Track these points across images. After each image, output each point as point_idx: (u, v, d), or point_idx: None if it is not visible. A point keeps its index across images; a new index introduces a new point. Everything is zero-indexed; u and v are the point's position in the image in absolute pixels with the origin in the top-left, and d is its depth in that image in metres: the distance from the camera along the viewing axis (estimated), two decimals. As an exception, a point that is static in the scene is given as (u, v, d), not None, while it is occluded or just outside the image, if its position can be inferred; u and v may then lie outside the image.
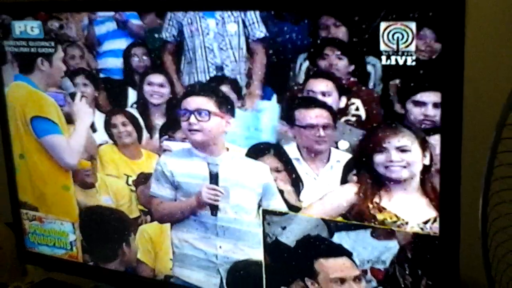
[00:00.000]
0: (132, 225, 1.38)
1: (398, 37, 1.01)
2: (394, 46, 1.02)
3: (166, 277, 1.37)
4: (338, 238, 1.16)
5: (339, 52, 1.07)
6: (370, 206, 1.10)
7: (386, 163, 1.08)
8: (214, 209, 1.25)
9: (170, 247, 1.33)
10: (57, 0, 1.38)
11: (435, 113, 1.01)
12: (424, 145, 1.04)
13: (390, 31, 1.02)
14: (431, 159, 1.04)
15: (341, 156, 1.12)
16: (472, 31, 1.00)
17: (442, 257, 1.07)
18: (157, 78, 1.25)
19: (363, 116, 1.09)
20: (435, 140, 1.02)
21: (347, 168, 1.12)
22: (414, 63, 1.01)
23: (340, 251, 1.16)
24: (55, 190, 1.47)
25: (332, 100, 1.10)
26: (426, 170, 1.05)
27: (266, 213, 1.22)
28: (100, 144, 1.37)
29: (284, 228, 1.20)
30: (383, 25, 1.02)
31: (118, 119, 1.33)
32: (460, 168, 1.02)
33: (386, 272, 1.13)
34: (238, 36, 1.15)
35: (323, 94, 1.10)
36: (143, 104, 1.29)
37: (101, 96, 1.34)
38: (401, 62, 1.02)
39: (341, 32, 1.06)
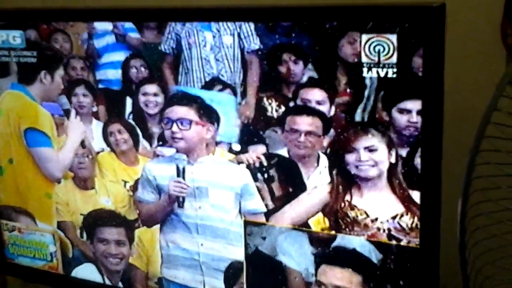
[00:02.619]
0: (130, 227, 1.39)
1: (379, 50, 1.02)
2: (376, 58, 1.03)
3: (159, 280, 1.37)
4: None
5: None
6: (342, 205, 1.13)
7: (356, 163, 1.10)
8: (181, 202, 1.29)
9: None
10: (52, 10, 1.38)
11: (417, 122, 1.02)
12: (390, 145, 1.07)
13: (371, 43, 1.02)
14: (396, 158, 1.07)
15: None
16: (452, 42, 1.01)
17: (422, 269, 1.08)
18: (152, 88, 1.28)
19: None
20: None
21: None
22: (395, 75, 1.02)
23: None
24: (37, 196, 1.47)
25: (324, 108, 1.11)
26: (392, 168, 1.08)
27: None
28: (98, 152, 1.38)
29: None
30: (364, 37, 1.02)
31: (115, 127, 1.35)
32: (441, 180, 1.03)
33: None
34: (234, 48, 1.16)
35: (318, 102, 1.12)
36: (139, 114, 1.31)
37: (99, 105, 1.35)
38: (382, 74, 1.03)
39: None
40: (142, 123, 1.31)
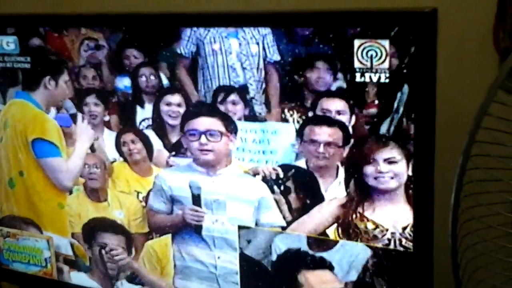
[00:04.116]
0: (140, 240, 1.38)
1: (371, 55, 1.02)
2: (368, 64, 1.03)
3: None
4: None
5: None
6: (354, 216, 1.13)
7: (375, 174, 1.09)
8: (198, 228, 1.27)
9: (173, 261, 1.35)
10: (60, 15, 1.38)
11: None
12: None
13: (364, 48, 1.03)
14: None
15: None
16: (445, 46, 1.02)
17: (416, 273, 1.08)
18: (175, 99, 1.25)
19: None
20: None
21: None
22: (387, 80, 1.02)
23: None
24: (50, 207, 1.46)
25: (344, 118, 1.10)
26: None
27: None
28: (111, 162, 1.37)
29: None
30: (357, 42, 1.03)
31: (128, 137, 1.34)
32: (433, 185, 1.03)
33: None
34: (258, 57, 1.15)
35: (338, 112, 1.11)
36: (159, 123, 1.29)
37: (112, 115, 1.34)
38: (374, 79, 1.03)
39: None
40: (162, 133, 1.29)
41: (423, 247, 1.06)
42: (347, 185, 1.12)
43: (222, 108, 1.19)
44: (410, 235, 1.08)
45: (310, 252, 1.18)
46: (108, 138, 1.35)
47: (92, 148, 1.37)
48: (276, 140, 1.17)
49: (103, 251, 1.41)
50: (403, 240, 1.09)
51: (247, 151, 1.20)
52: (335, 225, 1.15)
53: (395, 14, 1.00)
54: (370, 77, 1.03)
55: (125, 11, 1.33)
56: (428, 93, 1.00)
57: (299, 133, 1.14)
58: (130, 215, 1.37)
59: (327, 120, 1.11)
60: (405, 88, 1.01)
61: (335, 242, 1.15)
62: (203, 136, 1.22)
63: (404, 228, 1.09)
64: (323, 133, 1.12)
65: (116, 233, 1.39)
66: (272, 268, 1.23)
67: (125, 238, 1.39)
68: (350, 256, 1.14)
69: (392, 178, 1.07)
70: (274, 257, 1.22)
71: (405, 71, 1.00)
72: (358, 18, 1.04)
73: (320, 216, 1.16)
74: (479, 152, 0.89)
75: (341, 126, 1.10)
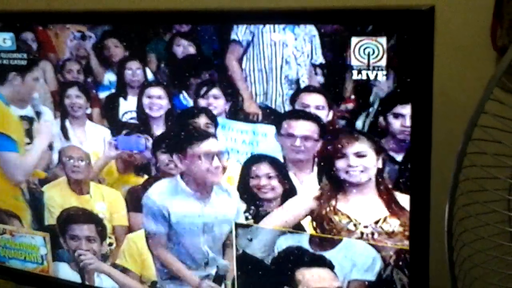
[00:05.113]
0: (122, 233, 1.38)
1: (369, 52, 1.02)
2: (365, 61, 1.03)
3: (152, 284, 1.37)
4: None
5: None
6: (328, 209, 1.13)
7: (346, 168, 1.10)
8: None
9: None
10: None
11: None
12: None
13: (361, 46, 1.02)
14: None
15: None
16: (442, 44, 1.02)
17: (412, 271, 1.08)
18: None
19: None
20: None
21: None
22: (384, 78, 1.02)
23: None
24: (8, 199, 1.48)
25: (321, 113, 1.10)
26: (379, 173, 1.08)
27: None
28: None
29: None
30: (354, 40, 1.03)
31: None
32: (430, 183, 1.03)
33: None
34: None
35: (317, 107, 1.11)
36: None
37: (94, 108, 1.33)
38: (372, 77, 1.03)
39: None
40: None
41: (419, 244, 1.06)
42: (320, 178, 1.13)
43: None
44: (382, 228, 1.09)
45: (311, 250, 1.18)
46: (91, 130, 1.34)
47: (50, 147, 1.38)
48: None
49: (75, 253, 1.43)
50: (375, 234, 1.10)
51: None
52: (309, 218, 1.15)
53: (392, 12, 1.00)
54: (367, 75, 1.03)
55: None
56: (425, 90, 1.00)
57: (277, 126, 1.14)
58: (112, 209, 1.37)
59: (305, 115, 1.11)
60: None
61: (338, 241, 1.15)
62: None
63: (377, 222, 1.10)
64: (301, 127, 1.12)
65: (96, 226, 1.40)
66: (271, 266, 1.23)
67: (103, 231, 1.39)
68: (351, 254, 1.14)
69: (362, 171, 1.08)
70: (274, 255, 1.21)
71: (402, 68, 1.00)
72: (355, 16, 1.04)
73: (295, 209, 1.17)
74: (475, 149, 0.89)
75: (318, 120, 1.10)
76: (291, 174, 1.16)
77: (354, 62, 1.03)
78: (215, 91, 1.18)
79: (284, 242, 1.19)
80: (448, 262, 0.96)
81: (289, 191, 1.17)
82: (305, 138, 1.12)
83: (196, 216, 1.27)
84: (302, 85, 1.11)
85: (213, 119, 1.20)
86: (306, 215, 1.16)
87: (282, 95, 1.13)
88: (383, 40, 1.00)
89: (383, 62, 1.01)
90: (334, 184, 1.12)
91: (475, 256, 0.96)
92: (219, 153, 1.21)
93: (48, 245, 1.46)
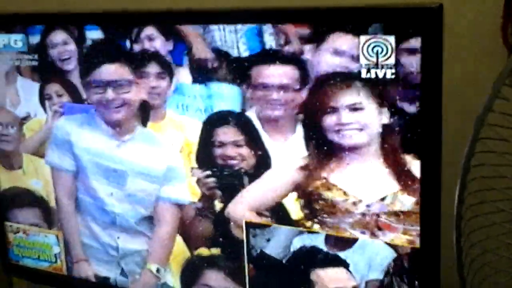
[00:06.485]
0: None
1: (377, 51, 1.02)
2: (374, 59, 1.03)
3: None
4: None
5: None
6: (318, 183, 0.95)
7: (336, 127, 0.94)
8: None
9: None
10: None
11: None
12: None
13: (370, 44, 1.02)
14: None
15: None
16: (452, 42, 1.01)
17: (423, 268, 1.07)
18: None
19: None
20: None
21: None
22: (393, 76, 1.02)
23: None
24: None
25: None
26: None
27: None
28: (24, 118, 1.25)
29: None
30: (363, 38, 1.02)
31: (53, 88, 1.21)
32: (440, 182, 1.02)
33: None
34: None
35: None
36: None
37: None
38: (381, 75, 1.03)
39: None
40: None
41: (430, 244, 1.05)
42: (307, 142, 0.96)
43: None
44: (388, 207, 0.94)
45: (325, 249, 1.09)
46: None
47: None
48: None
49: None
50: (382, 216, 0.96)
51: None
52: (295, 195, 0.99)
53: (401, 10, 1.00)
54: (376, 73, 1.03)
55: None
56: (434, 89, 0.99)
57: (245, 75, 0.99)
58: (48, 185, 1.25)
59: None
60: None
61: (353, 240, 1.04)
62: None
63: (383, 199, 0.96)
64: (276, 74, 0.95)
65: (32, 206, 1.31)
66: (287, 265, 1.17)
67: (42, 212, 1.30)
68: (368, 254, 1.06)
69: (359, 130, 0.94)
70: (290, 255, 1.15)
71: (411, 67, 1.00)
72: (364, 14, 1.03)
73: (274, 184, 0.99)
74: (483, 148, 0.88)
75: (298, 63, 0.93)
76: (265, 138, 0.99)
77: (363, 61, 1.03)
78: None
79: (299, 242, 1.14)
80: (457, 262, 0.95)
81: (263, 162, 1.00)
82: (283, 88, 0.97)
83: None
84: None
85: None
86: (288, 193, 0.99)
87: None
88: (392, 38, 1.00)
89: (392, 60, 1.01)
90: (325, 149, 0.94)
91: (483, 256, 0.95)
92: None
93: (61, 243, 1.48)
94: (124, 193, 1.17)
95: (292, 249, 1.12)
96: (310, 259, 1.14)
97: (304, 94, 0.95)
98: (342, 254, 1.08)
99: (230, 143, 1.03)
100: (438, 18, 0.97)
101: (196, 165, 1.10)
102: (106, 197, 1.19)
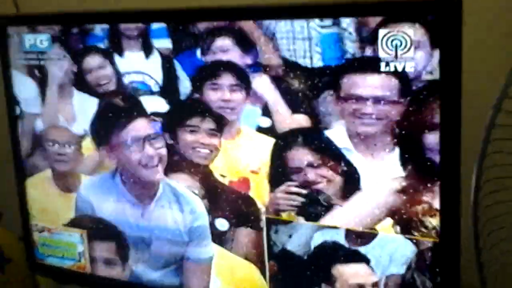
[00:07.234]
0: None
1: (396, 44, 1.02)
2: (393, 53, 1.02)
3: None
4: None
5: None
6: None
7: None
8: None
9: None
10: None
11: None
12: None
13: (388, 38, 1.02)
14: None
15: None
16: (469, 36, 1.01)
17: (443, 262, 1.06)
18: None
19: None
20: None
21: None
22: (412, 69, 1.01)
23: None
24: None
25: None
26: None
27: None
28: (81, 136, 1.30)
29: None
30: (381, 32, 1.02)
31: None
32: (460, 176, 1.01)
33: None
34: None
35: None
36: None
37: None
38: (399, 68, 1.02)
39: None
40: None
41: (449, 236, 1.04)
42: (405, 162, 0.88)
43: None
44: None
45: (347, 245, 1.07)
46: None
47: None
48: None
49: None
50: None
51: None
52: (390, 221, 0.93)
53: (420, 3, 0.99)
54: (395, 66, 1.02)
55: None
56: (453, 82, 0.99)
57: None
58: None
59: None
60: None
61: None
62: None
63: None
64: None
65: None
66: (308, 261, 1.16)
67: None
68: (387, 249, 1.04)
69: None
70: (311, 251, 1.14)
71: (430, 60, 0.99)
72: (382, 8, 1.03)
73: (364, 209, 0.92)
74: (496, 149, 0.87)
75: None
76: (355, 156, 0.91)
77: (381, 54, 1.02)
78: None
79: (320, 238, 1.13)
80: (476, 263, 0.93)
81: (351, 184, 0.92)
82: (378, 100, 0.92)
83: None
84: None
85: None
86: (382, 218, 0.94)
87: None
88: (410, 31, 0.99)
89: (411, 54, 1.00)
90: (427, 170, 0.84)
91: (504, 257, 0.94)
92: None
93: (85, 242, 1.49)
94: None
95: (312, 245, 1.12)
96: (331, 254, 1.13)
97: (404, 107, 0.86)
98: (362, 249, 1.08)
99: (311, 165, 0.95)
100: (457, 10, 0.96)
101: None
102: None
